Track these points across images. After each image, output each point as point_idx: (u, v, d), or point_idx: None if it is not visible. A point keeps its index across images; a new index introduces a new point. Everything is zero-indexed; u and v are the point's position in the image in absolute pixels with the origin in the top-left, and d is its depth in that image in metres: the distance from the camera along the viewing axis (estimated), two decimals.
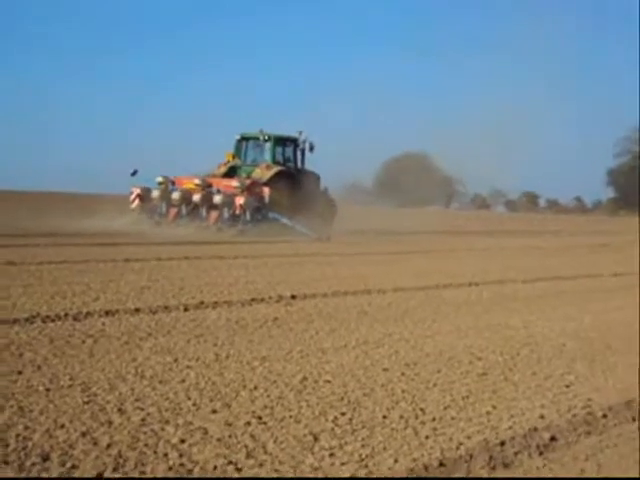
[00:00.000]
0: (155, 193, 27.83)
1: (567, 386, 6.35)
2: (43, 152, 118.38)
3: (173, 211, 27.38)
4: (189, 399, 5.34)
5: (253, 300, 9.89)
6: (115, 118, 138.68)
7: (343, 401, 5.52)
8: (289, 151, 30.66)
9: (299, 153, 30.59)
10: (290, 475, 4.12)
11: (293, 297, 10.30)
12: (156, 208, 27.78)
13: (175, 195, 27.20)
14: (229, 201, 26.32)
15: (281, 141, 30.36)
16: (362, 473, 4.19)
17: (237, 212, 26.31)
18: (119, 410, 5.01)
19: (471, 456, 4.55)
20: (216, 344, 7.15)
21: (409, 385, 6.06)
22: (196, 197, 26.69)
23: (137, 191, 28.07)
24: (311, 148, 30.00)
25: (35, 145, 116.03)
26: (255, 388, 5.72)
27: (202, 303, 9.40)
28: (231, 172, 29.52)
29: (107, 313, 8.41)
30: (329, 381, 6.04)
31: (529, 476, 4.39)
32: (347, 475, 4.16)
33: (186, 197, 26.90)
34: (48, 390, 5.39)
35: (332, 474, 4.16)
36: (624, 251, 27.35)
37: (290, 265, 15.38)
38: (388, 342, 7.68)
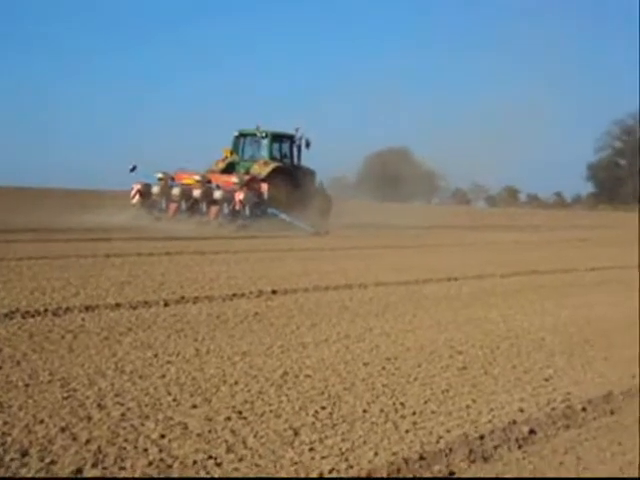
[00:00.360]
0: (155, 189, 28.05)
1: (546, 380, 6.39)
2: (43, 149, 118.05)
3: (173, 206, 27.65)
4: (169, 394, 5.33)
5: (234, 295, 9.88)
6: (115, 116, 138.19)
7: (323, 395, 5.53)
8: (286, 147, 31.03)
9: (295, 149, 31.00)
10: (270, 469, 4.13)
11: (274, 292, 10.30)
12: (156, 204, 28.06)
13: (175, 191, 27.49)
14: (229, 197, 26.61)
15: (278, 137, 30.71)
16: (342, 467, 4.20)
17: (237, 207, 26.57)
18: (99, 405, 5.00)
19: (451, 450, 4.57)
20: (196, 339, 7.14)
21: (389, 379, 6.07)
22: (196, 193, 26.99)
23: (137, 187, 28.30)
24: (307, 144, 30.42)
25: (36, 142, 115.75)
26: (235, 383, 5.72)
27: (183, 298, 9.38)
28: (229, 168, 29.85)
29: (87, 308, 8.38)
30: (310, 376, 6.05)
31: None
32: (328, 468, 4.17)
33: (186, 193, 27.21)
34: (27, 385, 5.37)
35: (312, 468, 4.17)
36: (601, 246, 27.53)
37: (271, 260, 15.36)
38: (369, 336, 7.69)
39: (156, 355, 6.42)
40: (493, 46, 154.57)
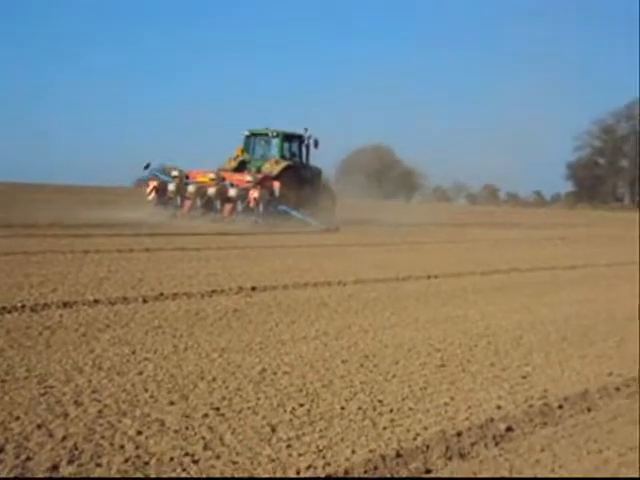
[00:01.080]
0: (171, 186, 28.87)
1: (524, 377, 6.41)
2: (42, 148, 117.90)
3: (188, 203, 28.47)
4: (146, 391, 5.32)
5: (213, 292, 9.86)
6: (112, 113, 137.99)
7: (301, 392, 5.53)
8: (295, 147, 32.06)
9: (304, 149, 32.02)
10: (247, 466, 4.12)
11: (253, 289, 10.29)
12: (171, 201, 28.89)
13: (191, 188, 28.31)
14: (243, 194, 27.39)
15: (288, 137, 31.73)
16: (319, 464, 4.20)
17: (251, 205, 27.29)
18: (75, 402, 4.97)
19: (428, 447, 4.58)
20: (175, 336, 7.13)
21: (368, 376, 6.08)
22: (211, 190, 27.77)
23: (154, 184, 29.20)
24: (316, 144, 31.51)
25: (36, 140, 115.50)
26: (213, 380, 5.71)
27: (161, 295, 9.35)
28: (241, 166, 30.79)
29: (65, 304, 8.34)
30: (288, 373, 6.04)
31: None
32: (305, 465, 4.17)
33: (201, 190, 27.99)
34: (4, 382, 5.34)
35: (289, 465, 4.17)
36: (580, 243, 27.68)
37: (251, 257, 15.34)
38: (347, 334, 7.70)
39: (134, 352, 6.40)
40: (476, 45, 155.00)
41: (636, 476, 4.43)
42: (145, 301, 8.89)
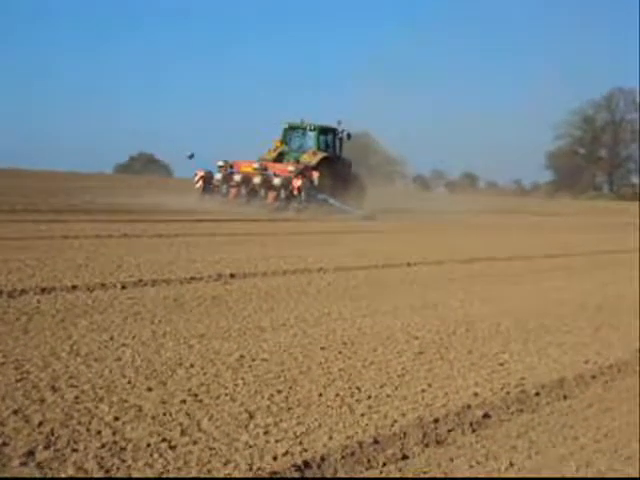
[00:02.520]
0: (218, 176, 31.32)
1: (501, 364, 6.45)
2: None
3: (234, 191, 30.83)
4: (124, 377, 5.30)
5: (192, 279, 9.84)
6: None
7: (279, 379, 5.53)
8: (330, 139, 34.32)
9: (337, 141, 34.42)
10: (225, 452, 4.13)
11: (232, 275, 10.28)
12: (217, 189, 31.24)
13: (237, 177, 30.68)
14: (286, 183, 29.60)
15: (324, 130, 34.01)
16: (297, 450, 4.21)
17: (295, 193, 29.56)
18: (52, 388, 4.96)
19: (405, 433, 4.60)
20: (153, 322, 7.11)
21: (346, 363, 6.09)
22: (256, 180, 30.04)
23: (201, 173, 31.64)
24: (349, 136, 34.33)
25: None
26: (191, 366, 5.70)
27: (140, 281, 9.32)
28: (280, 157, 33.20)
29: (43, 290, 8.29)
30: (266, 359, 6.05)
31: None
32: (282, 451, 4.18)
33: (246, 179, 30.38)
34: None
35: (267, 451, 4.18)
36: (558, 232, 27.81)
37: (232, 244, 15.31)
38: (326, 321, 7.71)
39: (112, 338, 6.38)
40: (455, 30, 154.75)
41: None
42: (124, 287, 8.86)
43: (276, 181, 29.69)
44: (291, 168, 30.05)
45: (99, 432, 4.26)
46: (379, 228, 24.00)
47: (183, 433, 4.34)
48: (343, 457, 4.20)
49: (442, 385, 5.69)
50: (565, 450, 4.67)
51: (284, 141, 34.01)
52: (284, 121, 34.42)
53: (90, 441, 4.13)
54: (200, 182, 31.61)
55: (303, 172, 30.06)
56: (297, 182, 29.44)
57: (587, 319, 8.86)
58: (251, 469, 3.96)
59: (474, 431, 4.83)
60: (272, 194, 29.92)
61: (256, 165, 31.10)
